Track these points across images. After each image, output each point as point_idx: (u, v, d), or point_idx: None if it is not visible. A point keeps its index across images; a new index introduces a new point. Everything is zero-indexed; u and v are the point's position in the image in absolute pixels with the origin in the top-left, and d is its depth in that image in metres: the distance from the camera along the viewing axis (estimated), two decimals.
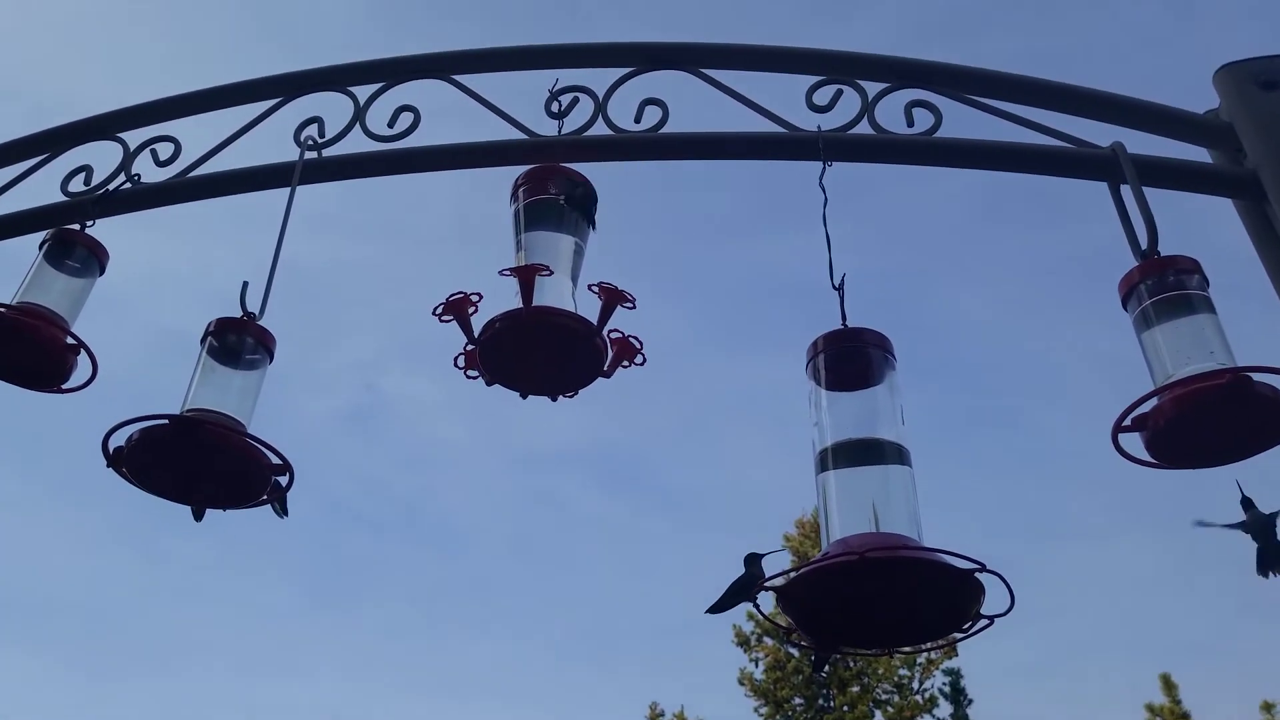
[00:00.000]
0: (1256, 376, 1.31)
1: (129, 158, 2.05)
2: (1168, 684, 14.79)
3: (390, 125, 1.94)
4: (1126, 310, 1.49)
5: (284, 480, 1.52)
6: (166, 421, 1.43)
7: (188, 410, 1.49)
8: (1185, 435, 1.37)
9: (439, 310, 1.57)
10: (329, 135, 1.96)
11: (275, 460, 1.48)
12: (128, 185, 2.01)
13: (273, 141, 2.02)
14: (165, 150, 2.04)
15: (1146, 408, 1.37)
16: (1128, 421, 1.39)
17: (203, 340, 1.59)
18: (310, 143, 1.95)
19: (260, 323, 1.61)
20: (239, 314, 1.60)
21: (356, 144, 1.95)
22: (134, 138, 2.09)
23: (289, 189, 1.84)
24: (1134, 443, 1.42)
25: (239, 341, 1.59)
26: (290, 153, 1.94)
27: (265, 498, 1.54)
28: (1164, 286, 1.45)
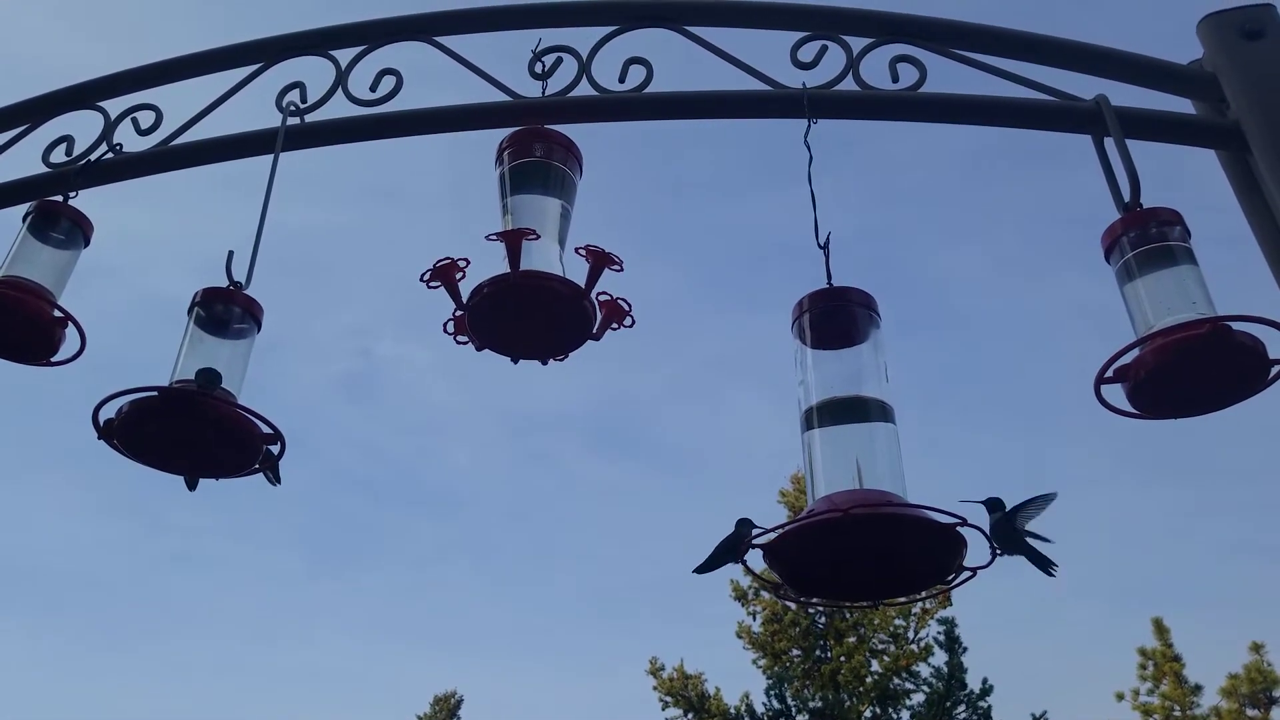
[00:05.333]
0: (1237, 326, 1.32)
1: (110, 127, 2.03)
2: (1160, 628, 15.00)
3: (373, 89, 1.93)
4: (1109, 263, 1.49)
5: (275, 449, 1.53)
6: (155, 393, 1.44)
7: (176, 381, 1.50)
8: (1166, 385, 1.38)
9: (426, 276, 1.57)
10: (311, 100, 1.94)
11: (266, 429, 1.48)
12: (110, 155, 1.99)
13: (255, 108, 2.00)
14: (146, 119, 2.02)
15: (1128, 359, 1.38)
16: (1109, 373, 1.40)
17: (190, 311, 1.59)
18: (293, 108, 1.94)
19: (247, 292, 1.61)
20: (225, 283, 1.60)
21: (339, 109, 1.94)
22: (114, 106, 2.06)
23: (273, 156, 1.83)
24: (1117, 394, 1.43)
25: (226, 311, 1.59)
26: (273, 118, 1.93)
27: (257, 466, 1.55)
28: (1146, 238, 1.45)
